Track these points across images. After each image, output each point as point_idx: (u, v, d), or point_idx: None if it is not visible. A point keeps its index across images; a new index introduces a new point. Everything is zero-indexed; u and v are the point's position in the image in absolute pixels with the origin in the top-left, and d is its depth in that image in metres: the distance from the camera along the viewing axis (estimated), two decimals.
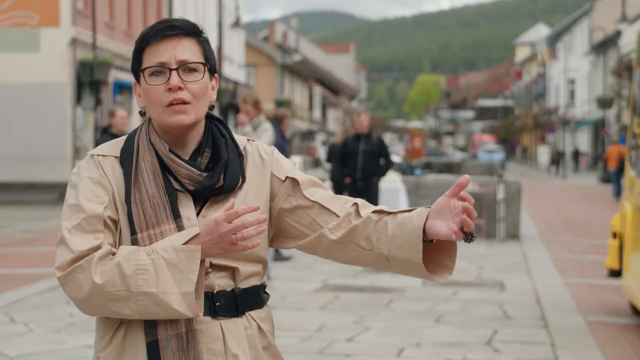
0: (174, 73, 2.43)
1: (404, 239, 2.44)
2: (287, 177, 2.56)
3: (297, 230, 2.56)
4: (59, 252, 2.39)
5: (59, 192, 25.19)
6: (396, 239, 2.46)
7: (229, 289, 2.46)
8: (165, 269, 2.32)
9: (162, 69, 2.44)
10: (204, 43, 2.50)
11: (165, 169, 2.46)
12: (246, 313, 2.49)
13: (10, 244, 15.60)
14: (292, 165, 2.60)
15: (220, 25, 35.62)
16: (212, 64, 2.52)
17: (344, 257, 2.56)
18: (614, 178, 30.69)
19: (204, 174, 2.45)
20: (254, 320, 2.50)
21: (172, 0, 35.78)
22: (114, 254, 2.37)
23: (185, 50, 2.45)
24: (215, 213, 2.38)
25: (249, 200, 2.50)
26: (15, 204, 24.47)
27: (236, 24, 38.49)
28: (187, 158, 2.47)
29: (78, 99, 26.13)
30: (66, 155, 25.55)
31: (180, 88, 2.43)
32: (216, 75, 2.56)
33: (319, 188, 2.58)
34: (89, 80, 25.22)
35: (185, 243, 2.35)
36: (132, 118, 30.07)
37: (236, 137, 2.59)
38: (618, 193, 29.69)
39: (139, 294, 2.32)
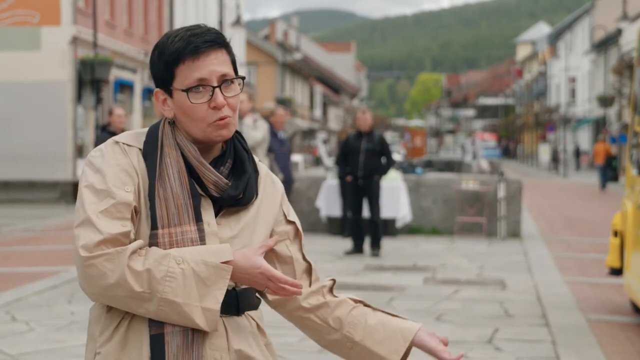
0: (218, 91, 2.42)
1: (386, 336, 2.57)
2: (293, 222, 2.64)
3: None
4: (84, 232, 2.32)
5: (60, 190, 25.20)
6: (376, 333, 2.58)
7: (230, 288, 2.47)
8: (192, 280, 2.33)
9: (202, 86, 2.42)
10: (231, 53, 2.50)
11: (189, 171, 2.45)
12: (245, 312, 2.51)
13: (11, 242, 15.61)
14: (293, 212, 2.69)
15: (221, 23, 35.59)
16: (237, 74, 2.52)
17: (301, 325, 2.65)
18: (600, 172, 34.39)
19: (229, 183, 2.47)
20: (253, 319, 2.53)
21: None
22: (141, 248, 2.35)
23: (223, 64, 2.44)
24: (257, 253, 2.41)
25: (261, 217, 2.54)
26: (16, 203, 24.48)
27: (237, 22, 38.47)
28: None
29: (79, 97, 26.13)
30: (67, 154, 25.56)
31: (224, 105, 2.44)
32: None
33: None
34: (89, 78, 25.24)
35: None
36: (131, 116, 30.08)
37: None
38: (603, 186, 34.06)
39: (162, 300, 2.32)
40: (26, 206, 23.70)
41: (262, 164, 2.64)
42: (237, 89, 2.47)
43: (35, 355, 7.39)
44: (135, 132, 2.52)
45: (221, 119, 2.43)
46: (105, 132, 12.65)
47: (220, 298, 2.34)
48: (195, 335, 2.40)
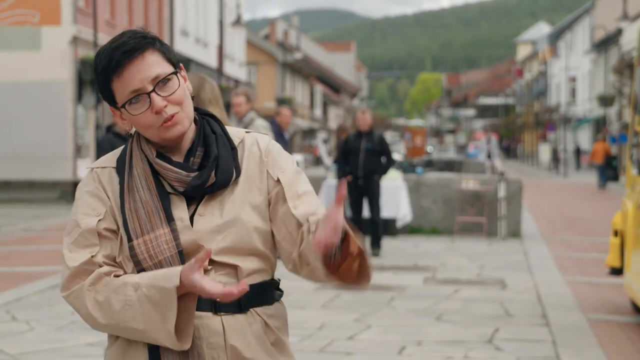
0: (154, 95, 2.40)
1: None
2: (279, 180, 2.50)
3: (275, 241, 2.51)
4: (62, 269, 2.45)
5: (60, 190, 25.20)
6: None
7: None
8: (149, 306, 2.34)
9: (139, 95, 2.41)
10: (160, 48, 2.45)
11: (156, 173, 2.46)
12: (251, 309, 2.47)
13: (11, 242, 15.61)
14: (289, 166, 2.54)
15: (221, 23, 35.60)
16: (175, 61, 2.47)
17: (311, 277, 2.46)
18: (599, 171, 35.66)
19: (192, 174, 2.44)
20: (260, 316, 2.48)
21: None
22: (108, 273, 2.39)
23: (151, 66, 2.41)
24: (193, 270, 2.28)
25: (246, 194, 2.48)
26: (16, 202, 24.49)
27: (237, 22, 38.47)
28: (181, 159, 2.47)
29: (79, 97, 26.13)
30: (67, 154, 25.56)
31: (165, 106, 2.41)
32: (181, 65, 2.52)
33: (305, 198, 2.49)
34: (90, 78, 25.24)
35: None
36: None
37: (233, 129, 2.57)
38: (603, 184, 35.26)
39: (126, 329, 2.37)
40: (26, 206, 23.70)
41: (249, 135, 2.56)
42: (175, 83, 2.43)
43: (35, 355, 7.39)
44: (114, 152, 2.54)
45: (167, 119, 2.41)
46: (109, 132, 12.57)
47: (173, 319, 2.32)
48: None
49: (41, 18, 25.74)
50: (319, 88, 79.47)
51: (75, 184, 25.28)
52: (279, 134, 12.36)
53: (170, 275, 2.34)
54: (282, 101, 51.44)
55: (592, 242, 16.14)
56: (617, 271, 9.58)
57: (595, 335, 8.22)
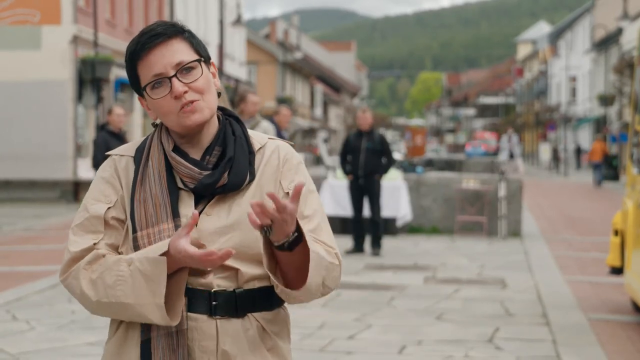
0: (175, 80, 2.42)
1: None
2: (288, 193, 2.51)
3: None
4: (65, 252, 2.47)
5: (61, 189, 25.20)
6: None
7: (230, 289, 2.43)
8: (140, 279, 2.34)
9: (161, 80, 2.43)
10: (189, 38, 2.49)
11: (170, 167, 2.47)
12: (249, 314, 2.45)
13: (11, 241, 15.61)
14: (301, 180, 2.52)
15: (221, 22, 35.60)
16: (204, 55, 2.50)
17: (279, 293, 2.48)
18: (596, 169, 37.07)
19: (205, 172, 2.44)
20: (258, 321, 2.46)
21: None
22: (105, 255, 2.42)
23: (176, 53, 2.44)
24: (180, 236, 2.31)
25: (256, 199, 2.46)
26: (16, 202, 24.48)
27: (237, 21, 38.46)
28: (198, 157, 2.47)
29: (79, 96, 26.12)
30: (67, 153, 25.55)
31: (185, 92, 2.43)
32: (212, 61, 2.54)
33: (308, 220, 2.50)
34: (90, 77, 25.23)
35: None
36: (132, 115, 30.08)
37: (256, 134, 2.57)
38: (599, 182, 36.59)
39: (118, 304, 2.38)
40: (27, 205, 23.69)
41: (271, 142, 2.56)
42: (198, 72, 2.45)
43: (36, 354, 7.39)
44: (135, 141, 2.56)
45: (186, 104, 2.42)
46: (103, 131, 12.60)
47: (163, 290, 2.32)
48: (179, 337, 2.40)
49: (41, 17, 25.73)
50: (319, 87, 79.47)
51: (75, 184, 25.29)
52: (277, 134, 12.39)
53: (160, 247, 2.36)
54: (282, 101, 51.43)
55: (592, 242, 16.14)
56: (618, 270, 9.58)
57: (596, 334, 8.22)
